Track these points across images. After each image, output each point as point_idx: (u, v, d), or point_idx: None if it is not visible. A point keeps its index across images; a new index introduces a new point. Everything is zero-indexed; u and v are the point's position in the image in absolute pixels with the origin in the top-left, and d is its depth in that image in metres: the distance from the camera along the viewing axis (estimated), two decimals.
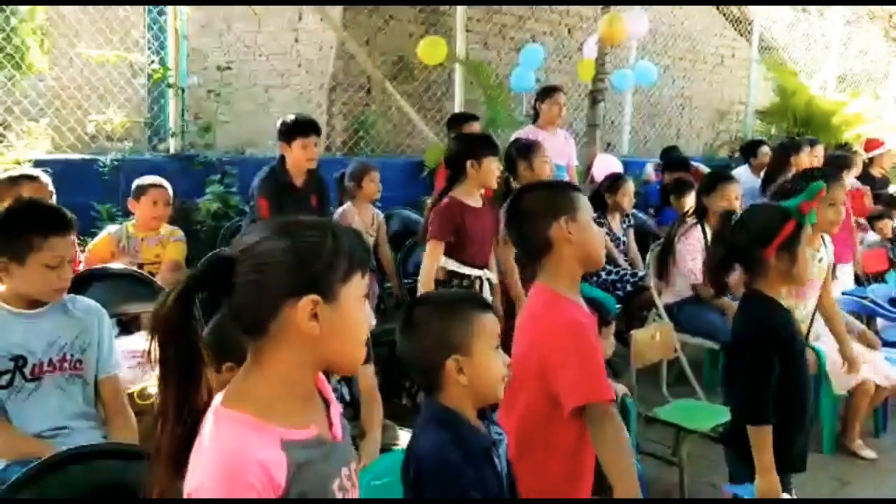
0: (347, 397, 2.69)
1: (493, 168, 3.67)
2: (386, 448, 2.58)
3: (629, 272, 5.07)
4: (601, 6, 7.05)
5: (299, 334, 1.28)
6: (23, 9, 5.86)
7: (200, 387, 1.29)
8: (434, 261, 3.57)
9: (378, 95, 7.53)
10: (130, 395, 2.66)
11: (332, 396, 1.45)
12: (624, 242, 5.35)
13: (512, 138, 5.26)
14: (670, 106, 10.61)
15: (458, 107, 7.36)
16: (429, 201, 4.18)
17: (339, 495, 1.35)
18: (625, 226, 5.40)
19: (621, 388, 3.36)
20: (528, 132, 5.41)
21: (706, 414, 3.48)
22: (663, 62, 9.63)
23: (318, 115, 6.73)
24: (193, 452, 1.25)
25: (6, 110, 5.21)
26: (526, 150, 4.16)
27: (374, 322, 2.83)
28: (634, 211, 5.98)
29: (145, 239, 4.05)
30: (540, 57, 7.23)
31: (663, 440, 3.69)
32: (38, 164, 4.47)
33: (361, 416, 2.65)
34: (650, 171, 7.67)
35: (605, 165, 6.19)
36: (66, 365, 2.33)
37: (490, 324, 1.77)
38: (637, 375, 3.62)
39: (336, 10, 7.28)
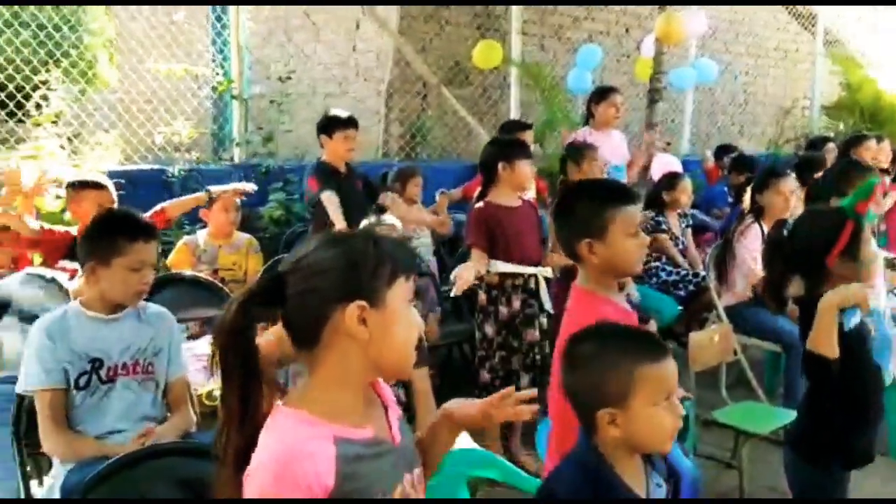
0: (403, 398, 2.76)
1: (525, 171, 3.70)
2: None
3: (690, 273, 5.02)
4: (658, 6, 6.99)
5: (350, 340, 1.34)
6: (93, 25, 6.14)
7: (260, 390, 1.36)
8: (477, 266, 3.58)
9: (434, 100, 7.61)
10: (199, 397, 2.79)
11: (391, 400, 1.51)
12: (683, 242, 5.30)
13: (567, 140, 5.28)
14: (732, 103, 10.42)
15: (513, 109, 7.39)
16: None
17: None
18: (683, 225, 5.35)
19: (680, 392, 3.35)
20: (582, 134, 5.39)
21: (766, 417, 3.44)
22: (725, 58, 9.46)
23: (376, 122, 6.86)
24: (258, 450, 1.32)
25: (80, 123, 5.46)
26: (576, 152, 4.18)
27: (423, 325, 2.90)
28: (695, 212, 5.91)
29: (223, 246, 4.22)
30: (597, 57, 7.18)
31: (722, 444, 3.66)
32: (110, 174, 4.67)
33: (417, 420, 2.72)
34: (709, 155, 7.50)
35: (664, 165, 6.12)
36: (138, 368, 2.47)
37: (658, 375, 1.60)
38: (696, 378, 3.59)
39: (392, 18, 7.40)
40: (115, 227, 2.44)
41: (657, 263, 5.07)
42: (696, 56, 8.50)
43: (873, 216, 2.49)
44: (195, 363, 2.93)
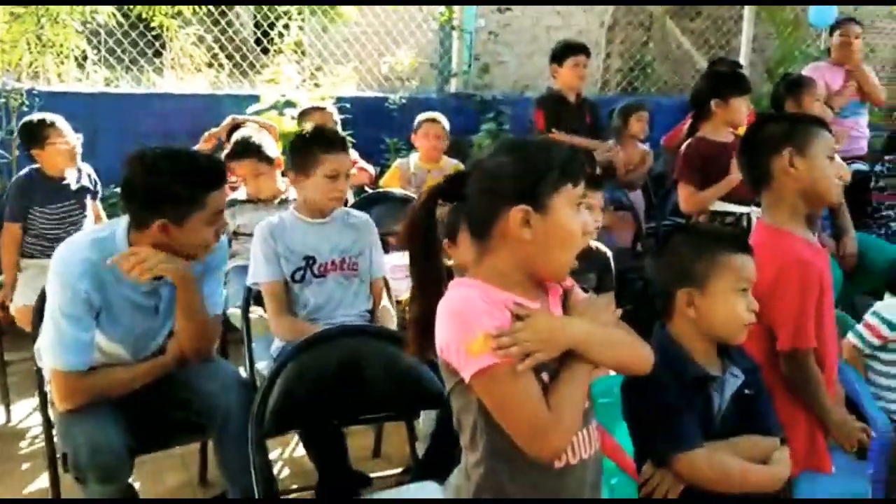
0: None
1: (739, 107, 3.53)
2: None
3: None
4: None
5: (514, 239, 1.45)
6: None
7: (440, 269, 1.55)
8: (687, 201, 3.52)
9: (657, 33, 7.33)
10: (400, 303, 3.04)
11: (553, 288, 1.58)
12: None
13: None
14: None
15: (745, 43, 6.95)
16: None
17: None
18: None
19: None
20: (815, 69, 4.98)
21: None
22: None
23: (595, 55, 6.75)
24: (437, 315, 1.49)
25: (320, 57, 5.94)
26: (794, 86, 3.90)
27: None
28: None
29: (431, 171, 4.48)
30: None
31: None
32: (339, 100, 5.07)
33: None
34: None
35: None
36: (345, 265, 2.77)
37: (740, 265, 1.76)
38: None
39: None
40: (313, 141, 2.72)
41: (890, 212, 4.62)
42: None
43: None
44: (398, 273, 3.17)
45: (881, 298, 4.65)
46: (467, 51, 6.10)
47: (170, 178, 2.12)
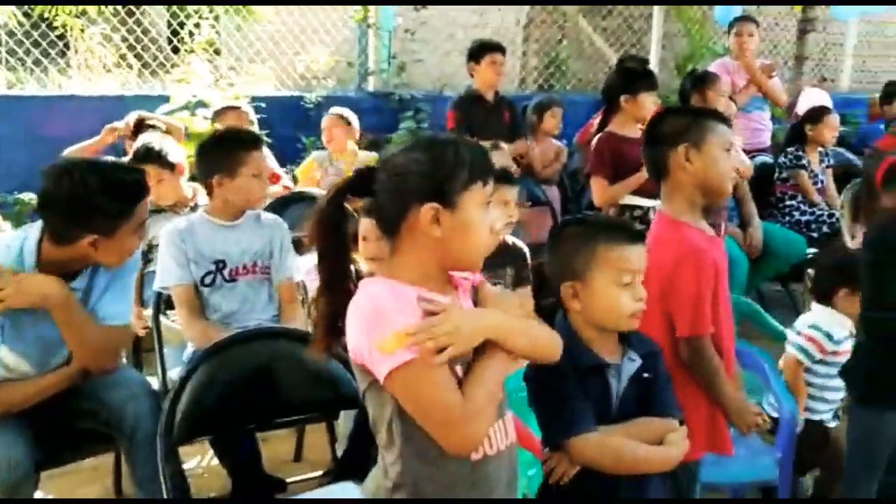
0: None
1: (648, 103, 3.62)
2: None
3: (826, 213, 4.75)
4: None
5: (424, 236, 1.46)
6: None
7: (349, 269, 1.54)
8: (599, 195, 3.60)
9: (571, 31, 7.47)
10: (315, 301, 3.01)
11: (461, 283, 1.59)
12: (822, 181, 4.99)
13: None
14: None
15: (655, 41, 7.14)
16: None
17: None
18: (824, 164, 5.03)
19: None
20: (719, 65, 5.17)
21: None
22: None
23: (512, 53, 6.83)
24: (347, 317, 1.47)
25: (233, 55, 5.82)
26: (700, 81, 4.03)
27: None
28: (842, 150, 5.55)
29: (350, 164, 4.47)
30: None
31: None
32: (253, 99, 4.99)
33: None
34: None
35: (812, 100, 5.75)
36: (257, 269, 2.74)
37: (619, 257, 1.76)
38: None
39: None
40: (232, 143, 2.69)
41: (792, 202, 4.83)
42: None
43: None
44: (311, 274, 3.15)
45: (785, 285, 4.91)
46: (385, 49, 6.08)
47: (100, 193, 2.10)
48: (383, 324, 1.40)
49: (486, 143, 3.95)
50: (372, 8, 5.94)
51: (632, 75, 3.83)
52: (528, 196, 4.37)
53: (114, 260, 2.21)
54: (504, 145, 4.28)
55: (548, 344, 1.58)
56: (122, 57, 5.62)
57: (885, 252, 2.34)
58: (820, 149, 4.94)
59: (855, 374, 2.46)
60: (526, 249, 3.25)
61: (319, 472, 2.85)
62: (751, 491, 2.80)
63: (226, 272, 2.68)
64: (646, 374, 1.82)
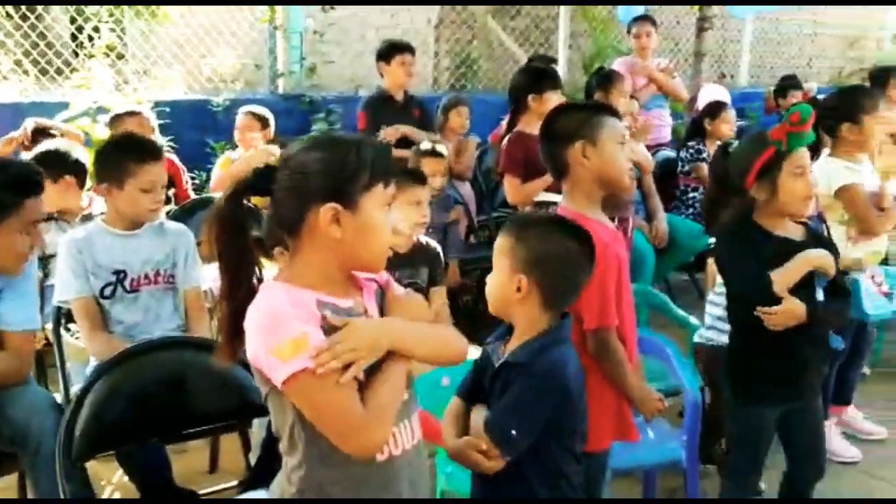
0: None
1: (554, 102, 3.68)
2: None
3: None
4: None
5: (324, 237, 1.45)
6: None
7: (251, 272, 1.49)
8: (513, 193, 3.65)
9: (481, 32, 7.55)
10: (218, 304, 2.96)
11: (366, 284, 1.58)
12: None
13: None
14: (799, 33, 9.97)
15: (562, 40, 7.29)
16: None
17: None
18: None
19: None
20: (623, 63, 5.32)
21: None
22: None
23: (423, 52, 6.85)
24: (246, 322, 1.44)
25: (136, 59, 5.65)
26: (605, 80, 4.14)
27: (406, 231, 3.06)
28: (737, 142, 5.78)
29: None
30: None
31: None
32: (157, 104, 4.86)
33: None
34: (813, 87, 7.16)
35: (711, 95, 5.99)
36: (160, 279, 2.66)
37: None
38: None
39: None
40: (124, 151, 2.57)
41: (695, 194, 5.01)
42: None
43: (798, 142, 2.28)
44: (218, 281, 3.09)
45: (691, 274, 5.09)
46: (295, 51, 6.01)
47: None
48: (280, 330, 1.38)
49: (427, 146, 3.98)
50: (280, 9, 5.86)
51: (537, 74, 3.91)
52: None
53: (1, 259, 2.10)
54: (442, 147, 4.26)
55: (451, 350, 1.59)
56: (18, 63, 5.38)
57: (738, 243, 2.38)
58: (718, 142, 5.13)
59: (733, 375, 2.49)
60: (439, 249, 3.29)
61: (235, 482, 2.81)
62: (661, 473, 2.89)
63: (126, 283, 2.59)
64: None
